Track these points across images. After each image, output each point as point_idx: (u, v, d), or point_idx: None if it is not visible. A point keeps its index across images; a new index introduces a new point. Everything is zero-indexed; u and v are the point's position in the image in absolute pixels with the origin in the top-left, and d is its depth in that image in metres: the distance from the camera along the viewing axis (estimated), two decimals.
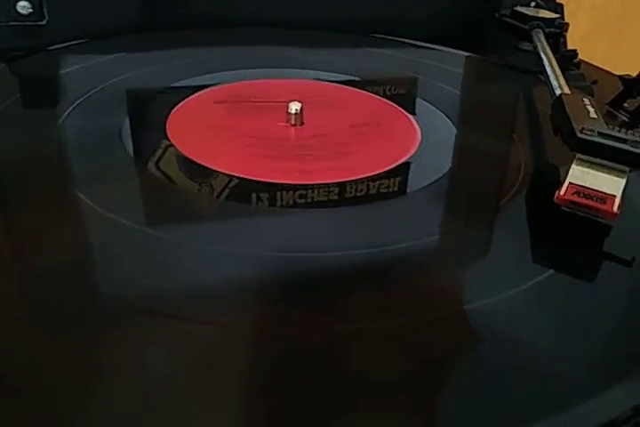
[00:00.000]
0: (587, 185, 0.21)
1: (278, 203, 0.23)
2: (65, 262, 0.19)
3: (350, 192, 0.24)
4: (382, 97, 0.34)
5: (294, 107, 0.28)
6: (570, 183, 0.21)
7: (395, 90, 0.35)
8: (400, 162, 0.26)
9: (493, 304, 0.18)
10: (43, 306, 0.17)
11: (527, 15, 0.41)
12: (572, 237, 0.22)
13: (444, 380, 0.16)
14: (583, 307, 0.19)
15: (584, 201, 0.21)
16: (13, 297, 0.18)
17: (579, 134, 0.21)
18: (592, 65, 0.46)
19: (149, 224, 0.21)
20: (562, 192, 0.21)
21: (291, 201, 0.23)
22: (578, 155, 0.22)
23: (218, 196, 0.23)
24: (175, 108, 0.30)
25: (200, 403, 0.14)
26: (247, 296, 0.18)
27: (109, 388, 0.15)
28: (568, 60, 0.40)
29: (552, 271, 0.20)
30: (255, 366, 0.16)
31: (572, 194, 0.21)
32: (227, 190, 0.24)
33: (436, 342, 0.17)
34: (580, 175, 0.21)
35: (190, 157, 0.25)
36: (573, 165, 0.22)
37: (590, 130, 0.22)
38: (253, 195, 0.23)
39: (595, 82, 0.42)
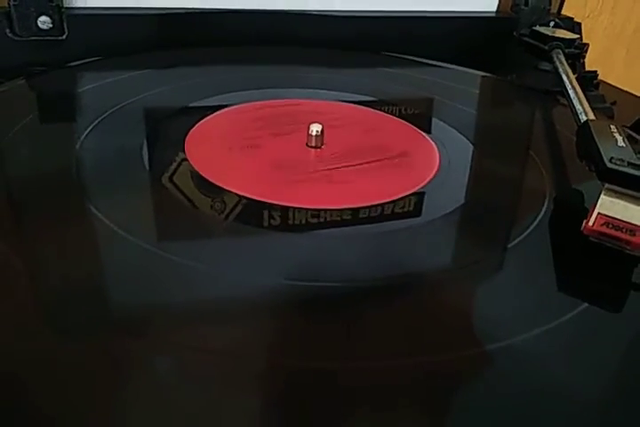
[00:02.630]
0: (616, 216, 0.21)
1: (288, 226, 0.23)
2: (77, 278, 0.19)
3: (364, 218, 0.24)
4: (398, 117, 0.33)
5: (315, 128, 0.28)
6: (599, 214, 0.21)
7: (411, 110, 0.35)
8: (417, 188, 0.26)
9: (520, 343, 0.18)
10: (52, 319, 0.18)
11: (547, 35, 0.41)
12: (600, 269, 0.22)
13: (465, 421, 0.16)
14: (614, 342, 0.19)
15: (613, 232, 0.21)
16: (23, 310, 0.18)
17: (608, 164, 0.21)
18: (610, 85, 0.45)
19: (160, 244, 0.21)
20: (590, 223, 0.21)
21: (301, 226, 0.23)
22: (607, 185, 0.21)
23: (227, 216, 0.23)
24: (193, 128, 0.29)
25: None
26: (252, 323, 0.18)
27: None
28: (588, 81, 0.40)
29: (581, 306, 0.19)
30: (259, 400, 0.16)
31: (601, 225, 0.21)
32: (236, 212, 0.23)
33: (455, 383, 0.17)
34: (610, 206, 0.21)
35: (207, 177, 0.25)
36: (602, 195, 0.21)
37: (620, 159, 0.21)
38: (264, 217, 0.23)
39: (614, 103, 0.41)
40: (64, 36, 0.37)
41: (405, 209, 0.24)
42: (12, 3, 0.36)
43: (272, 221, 0.23)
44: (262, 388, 0.16)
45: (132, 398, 0.15)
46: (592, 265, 0.22)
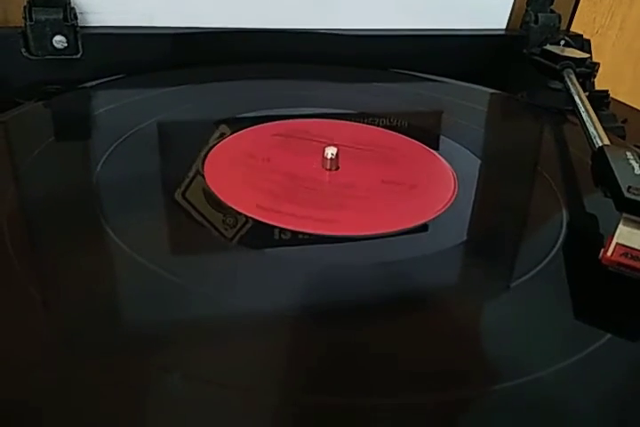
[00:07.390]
0: (635, 246, 0.21)
1: (295, 252, 0.23)
2: (94, 298, 0.20)
3: (376, 247, 0.24)
4: (407, 134, 0.33)
5: (330, 151, 0.28)
6: (617, 244, 0.21)
7: (420, 127, 0.35)
8: (432, 217, 0.26)
9: (545, 376, 0.18)
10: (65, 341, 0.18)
11: (558, 54, 0.41)
12: (622, 299, 0.22)
13: None
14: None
15: (632, 263, 0.21)
16: (35, 329, 0.18)
17: (626, 194, 0.21)
18: (620, 102, 0.45)
19: (175, 266, 0.21)
20: (609, 253, 0.21)
21: (309, 252, 0.23)
22: (625, 214, 0.21)
23: (234, 239, 0.23)
24: (213, 149, 0.30)
25: None
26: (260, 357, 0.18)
27: None
28: (599, 101, 0.40)
29: (603, 339, 0.19)
30: None
31: (620, 255, 0.21)
32: (243, 234, 0.23)
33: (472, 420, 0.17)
34: (628, 236, 0.21)
35: (223, 199, 0.25)
36: (620, 225, 0.21)
37: (637, 189, 0.21)
38: (274, 241, 0.23)
39: (624, 121, 0.41)
40: (79, 55, 0.38)
41: (421, 238, 0.24)
42: (27, 23, 0.36)
43: (281, 244, 0.23)
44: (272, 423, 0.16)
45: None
46: (613, 295, 0.22)
